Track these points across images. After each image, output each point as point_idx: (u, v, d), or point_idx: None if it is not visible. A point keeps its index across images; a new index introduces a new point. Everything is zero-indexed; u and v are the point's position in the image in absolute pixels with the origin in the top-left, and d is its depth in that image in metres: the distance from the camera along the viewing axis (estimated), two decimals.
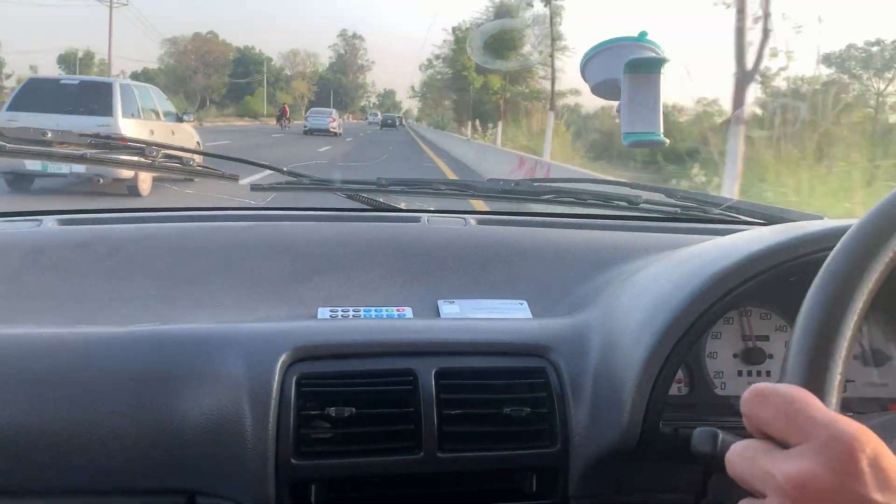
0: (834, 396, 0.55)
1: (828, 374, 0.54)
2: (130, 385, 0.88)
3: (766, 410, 0.44)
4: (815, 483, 0.39)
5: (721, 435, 0.68)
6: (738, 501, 0.46)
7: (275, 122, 41.52)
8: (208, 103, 66.17)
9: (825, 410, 0.42)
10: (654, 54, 0.95)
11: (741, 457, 0.45)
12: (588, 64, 1.01)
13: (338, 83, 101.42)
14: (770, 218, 1.38)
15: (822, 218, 1.35)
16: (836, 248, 0.61)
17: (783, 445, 0.43)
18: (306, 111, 41.05)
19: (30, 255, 1.14)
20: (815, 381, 0.53)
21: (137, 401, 0.87)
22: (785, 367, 0.57)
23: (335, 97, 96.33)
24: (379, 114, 74.24)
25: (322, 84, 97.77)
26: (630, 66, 0.93)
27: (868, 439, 0.39)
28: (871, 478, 0.38)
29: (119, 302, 1.08)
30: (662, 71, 0.94)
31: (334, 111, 37.26)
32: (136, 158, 1.25)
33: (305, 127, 33.48)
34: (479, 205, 1.84)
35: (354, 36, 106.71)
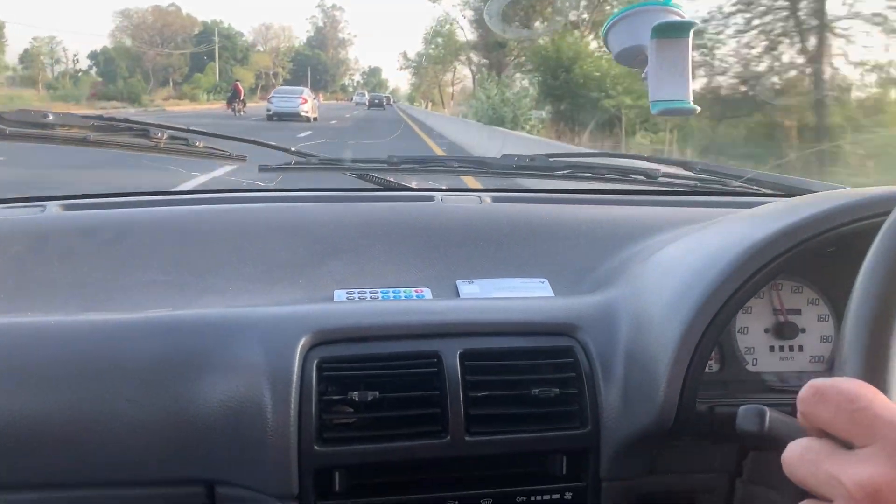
0: (895, 383, 0.51)
1: (888, 364, 0.51)
2: (144, 373, 0.85)
3: (827, 409, 0.40)
4: (889, 489, 0.36)
5: (769, 412, 0.65)
6: (801, 502, 0.43)
7: (225, 106, 32.41)
8: (171, 84, 59.34)
9: (891, 407, 0.38)
10: (680, 18, 0.91)
11: (801, 459, 0.41)
12: (611, 31, 0.97)
13: (316, 59, 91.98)
14: (791, 190, 1.35)
15: (846, 188, 1.32)
16: (886, 224, 0.57)
17: (846, 445, 0.40)
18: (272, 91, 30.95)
19: (34, 242, 1.10)
20: (875, 373, 0.49)
21: (152, 389, 0.84)
22: (840, 359, 0.54)
23: (313, 75, 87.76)
24: (366, 94, 67.65)
25: (298, 61, 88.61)
26: (657, 31, 0.88)
27: None
28: None
29: (128, 289, 1.05)
30: (691, 35, 0.90)
31: (307, 90, 28.09)
32: (140, 140, 1.21)
33: (269, 111, 25.70)
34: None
35: (334, 7, 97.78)
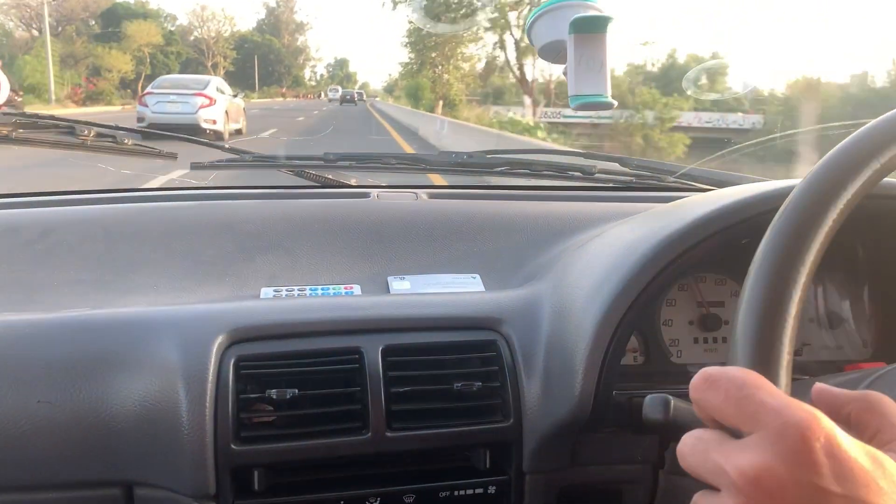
0: (783, 377, 0.52)
1: (777, 352, 0.52)
2: (56, 373, 0.83)
3: (716, 396, 0.41)
4: (768, 476, 0.36)
5: (673, 401, 0.66)
6: (694, 495, 0.43)
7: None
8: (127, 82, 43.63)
9: (777, 395, 0.39)
10: (598, 13, 0.92)
11: (693, 449, 0.42)
12: (533, 26, 0.97)
13: (267, 47, 75.56)
14: (725, 184, 1.36)
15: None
16: (778, 213, 0.58)
17: (735, 434, 0.40)
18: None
19: None
20: (764, 361, 0.50)
21: (65, 389, 0.82)
22: (732, 348, 0.55)
23: (264, 66, 73.52)
24: (339, 90, 64.81)
25: (245, 49, 71.77)
26: (575, 26, 0.89)
27: (822, 426, 0.37)
28: (826, 468, 0.36)
29: (50, 289, 1.02)
30: (608, 30, 0.91)
31: (216, 83, 15.51)
32: (66, 138, 1.19)
33: (140, 119, 14.15)
34: (438, 180, 1.79)
35: None
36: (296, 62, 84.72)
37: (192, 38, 66.59)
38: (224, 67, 67.71)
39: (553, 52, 0.98)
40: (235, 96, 14.89)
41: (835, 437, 0.36)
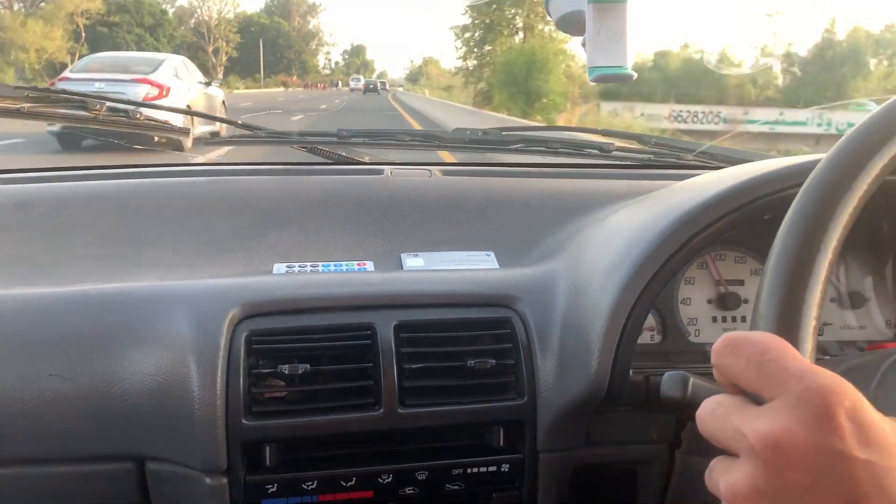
0: (809, 343, 0.51)
1: (801, 319, 0.50)
2: (68, 347, 0.82)
3: (738, 361, 0.39)
4: (789, 441, 0.35)
5: (692, 379, 0.65)
6: (712, 460, 0.42)
7: None
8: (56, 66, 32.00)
9: (799, 360, 0.38)
10: None
11: (712, 414, 0.40)
12: None
13: (275, 30, 68.67)
14: (743, 163, 1.34)
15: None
16: (804, 185, 0.57)
17: (756, 400, 0.39)
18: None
19: None
20: (788, 327, 0.49)
21: (77, 364, 0.82)
22: (756, 314, 0.53)
23: (272, 52, 66.57)
24: (362, 79, 63.42)
25: (251, 33, 64.63)
26: None
27: (846, 391, 0.35)
28: (849, 433, 0.34)
29: (62, 263, 1.02)
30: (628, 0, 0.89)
31: (172, 63, 9.41)
32: (78, 112, 1.18)
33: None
34: (448, 157, 1.77)
35: None
36: (307, 48, 77.26)
37: (192, 21, 59.40)
38: (227, 53, 61.08)
39: (571, 23, 0.95)
40: (209, 84, 10.78)
41: (859, 402, 0.35)
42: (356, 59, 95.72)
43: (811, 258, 0.53)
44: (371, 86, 53.95)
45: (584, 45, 0.93)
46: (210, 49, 58.73)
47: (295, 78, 69.41)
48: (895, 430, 0.36)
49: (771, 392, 0.38)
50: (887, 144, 0.57)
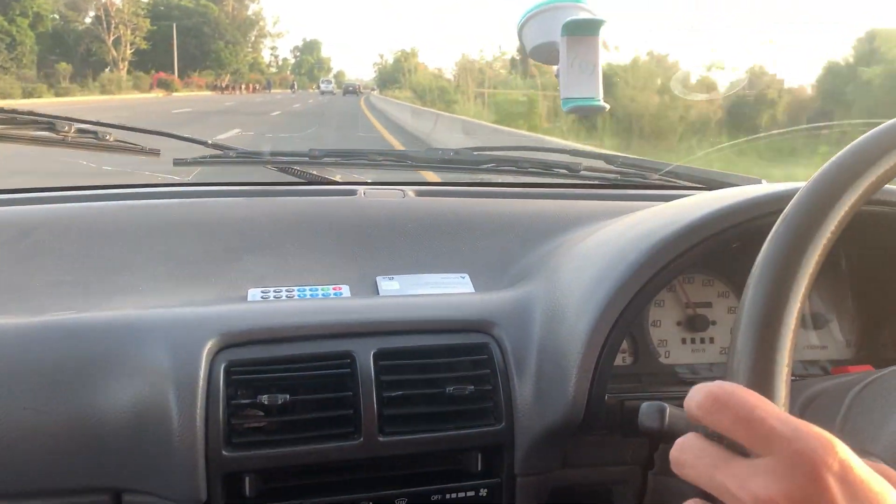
0: (783, 391, 0.53)
1: (776, 369, 0.52)
2: (43, 379, 0.81)
3: (724, 418, 0.41)
4: (784, 502, 0.37)
5: (668, 409, 0.66)
6: (686, 501, 0.44)
7: None
8: None
9: (785, 420, 0.39)
10: (590, 15, 0.92)
11: (696, 462, 0.42)
12: (525, 27, 0.96)
13: (201, 17, 53.16)
14: (710, 183, 1.38)
15: (761, 182, 1.35)
16: (774, 228, 0.58)
17: (741, 451, 0.41)
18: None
19: None
20: (764, 380, 0.51)
21: (51, 395, 0.80)
22: (732, 363, 0.55)
23: (195, 44, 50.96)
24: (333, 82, 60.31)
25: (171, 18, 48.99)
26: (567, 29, 0.89)
27: (834, 452, 0.37)
28: (839, 494, 0.37)
29: (31, 290, 1.00)
30: (600, 33, 0.91)
31: None
32: (45, 134, 1.16)
33: None
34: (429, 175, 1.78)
35: None
36: (244, 39, 60.88)
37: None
38: (132, 43, 45.22)
39: (544, 54, 0.97)
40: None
41: (847, 462, 0.37)
42: (309, 56, 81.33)
43: (784, 306, 0.55)
44: (350, 88, 52.47)
45: (556, 75, 0.95)
46: (110, 39, 44.00)
47: (227, 77, 56.55)
48: (882, 483, 0.38)
49: (760, 449, 0.39)
50: (858, 180, 0.59)
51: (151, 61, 48.74)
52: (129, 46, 45.83)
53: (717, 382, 0.43)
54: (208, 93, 46.30)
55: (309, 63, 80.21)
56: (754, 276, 0.56)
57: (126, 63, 45.46)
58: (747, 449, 0.40)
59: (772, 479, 0.37)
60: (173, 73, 50.13)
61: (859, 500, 0.36)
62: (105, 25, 44.66)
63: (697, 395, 0.43)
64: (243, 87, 54.99)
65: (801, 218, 0.57)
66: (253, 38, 64.31)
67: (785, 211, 0.59)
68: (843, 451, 0.37)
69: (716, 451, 0.41)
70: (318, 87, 57.92)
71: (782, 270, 0.55)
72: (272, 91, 57.07)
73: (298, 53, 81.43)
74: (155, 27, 49.45)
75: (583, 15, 0.90)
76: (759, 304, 0.55)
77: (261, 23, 64.03)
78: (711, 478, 0.40)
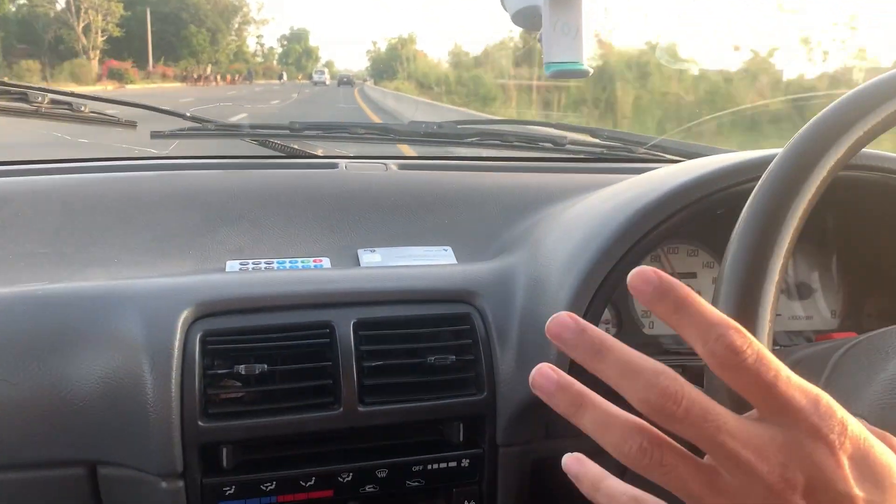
0: (765, 341, 0.53)
1: (758, 319, 0.53)
2: (14, 349, 0.79)
3: (743, 377, 0.35)
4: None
5: None
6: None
7: None
8: None
9: (805, 390, 0.35)
10: None
11: (697, 417, 0.35)
12: None
13: (180, 3, 49.14)
14: (695, 156, 1.36)
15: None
16: (759, 183, 0.58)
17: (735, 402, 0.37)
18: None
19: None
20: (746, 325, 0.51)
21: (24, 367, 0.79)
22: (716, 299, 0.55)
23: (172, 31, 46.81)
24: (326, 72, 57.56)
25: (146, 3, 44.74)
26: None
27: (847, 429, 0.35)
28: (854, 473, 0.35)
29: (5, 263, 0.98)
30: None
31: None
32: (18, 105, 1.13)
33: None
34: (405, 150, 1.76)
35: None
36: (227, 26, 56.39)
37: None
38: (103, 30, 40.67)
39: (527, 18, 0.95)
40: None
41: (859, 440, 0.35)
42: (297, 45, 76.47)
43: (767, 258, 0.55)
44: (345, 79, 50.89)
45: (539, 39, 0.93)
46: (79, 26, 39.29)
47: (209, 67, 51.36)
48: (890, 458, 0.36)
49: (773, 416, 0.35)
50: (839, 140, 0.58)
51: (126, 50, 43.30)
52: (100, 34, 41.07)
53: (734, 327, 0.35)
54: (176, 84, 40.12)
55: (297, 52, 75.91)
56: (739, 226, 0.56)
57: (97, 52, 40.75)
58: (757, 410, 0.36)
59: (794, 454, 0.34)
60: (147, 62, 45.07)
61: (870, 477, 0.35)
62: (74, 10, 40.06)
63: (714, 332, 0.35)
64: (218, 77, 48.06)
65: (787, 169, 0.57)
66: (236, 25, 60.04)
67: (772, 164, 0.58)
68: (856, 427, 0.35)
69: (720, 408, 0.35)
70: (311, 78, 55.42)
71: (768, 219, 0.55)
72: (254, 82, 52.34)
73: (286, 42, 77.12)
74: (129, 12, 44.41)
75: None
76: (743, 252, 0.55)
77: (244, 9, 60.47)
78: (713, 438, 0.35)
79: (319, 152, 1.37)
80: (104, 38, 41.19)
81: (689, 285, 1.03)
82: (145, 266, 0.99)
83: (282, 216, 1.12)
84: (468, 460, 0.88)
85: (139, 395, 0.78)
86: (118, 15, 43.07)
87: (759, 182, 0.58)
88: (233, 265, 0.99)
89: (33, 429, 0.79)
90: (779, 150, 0.61)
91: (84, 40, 39.63)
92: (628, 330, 0.99)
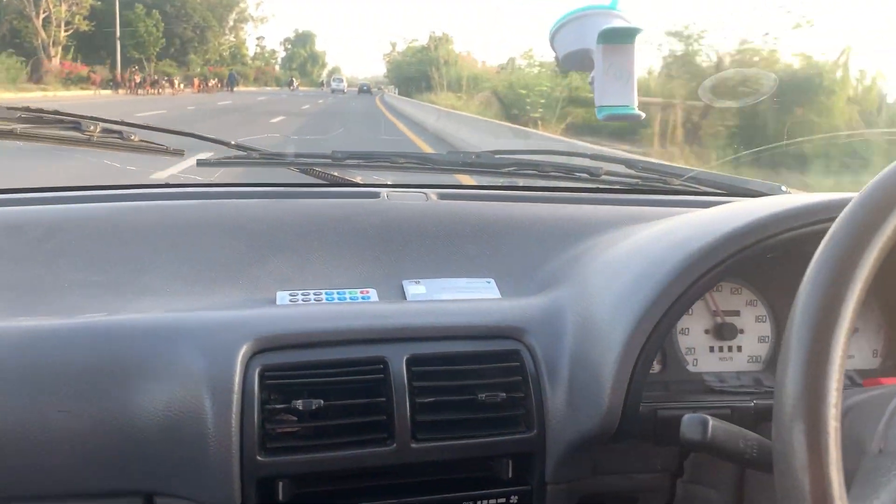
0: (835, 392, 0.54)
1: (830, 366, 0.53)
2: (77, 381, 0.81)
3: None
4: None
5: (711, 422, 0.67)
6: None
7: None
8: None
9: None
10: (626, 23, 0.92)
11: None
12: (558, 33, 0.96)
13: None
14: (731, 189, 1.38)
15: (785, 190, 1.35)
16: (829, 233, 0.59)
17: None
18: None
19: None
20: (816, 377, 0.52)
21: (85, 397, 0.81)
22: (785, 366, 0.56)
23: (148, 29, 38.10)
24: (344, 80, 53.51)
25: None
26: (604, 37, 0.89)
27: None
28: None
29: (60, 290, 1.00)
30: (636, 41, 0.91)
31: None
32: (71, 134, 1.16)
33: None
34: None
35: None
36: (220, 23, 48.07)
37: None
38: (68, 24, 33.12)
39: (577, 61, 0.97)
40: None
41: None
42: (302, 49, 70.33)
43: (840, 302, 0.55)
44: (365, 88, 49.32)
45: (591, 82, 0.95)
46: (38, 17, 31.70)
47: (153, 66, 39.47)
48: None
49: None
50: None
51: (103, 47, 36.25)
52: (63, 27, 33.37)
53: None
54: (88, 93, 28.70)
55: (301, 56, 70.03)
56: (804, 290, 0.56)
57: (59, 49, 33.02)
58: None
59: None
60: (116, 63, 36.10)
61: None
62: (33, 6, 32.35)
63: None
64: (177, 82, 36.00)
65: (855, 228, 0.57)
66: (231, 23, 51.20)
67: (836, 221, 0.59)
68: None
69: None
70: (329, 86, 51.73)
71: (835, 284, 0.56)
72: (236, 89, 41.97)
73: (290, 46, 71.15)
74: (100, 2, 35.91)
75: (617, 23, 0.90)
76: (811, 319, 0.55)
77: (241, 4, 51.48)
78: None
79: (359, 179, 1.39)
80: (68, 32, 33.85)
81: (731, 323, 1.04)
82: (196, 295, 1.01)
83: (325, 245, 1.14)
84: (517, 497, 0.90)
85: (199, 428, 0.79)
86: (87, 6, 35.12)
87: (835, 225, 0.58)
88: (283, 297, 1.01)
89: (92, 459, 0.81)
90: (836, 195, 0.62)
91: (44, 35, 32.35)
92: (672, 367, 1.00)
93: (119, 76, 33.15)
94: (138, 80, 32.23)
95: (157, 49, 40.44)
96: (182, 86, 36.22)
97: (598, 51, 0.90)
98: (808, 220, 0.82)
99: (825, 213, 0.81)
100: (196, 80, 39.86)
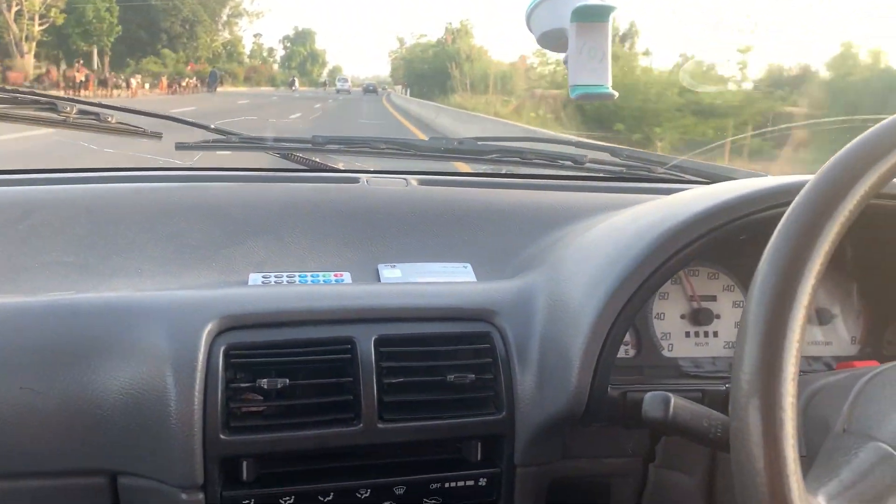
0: (791, 369, 0.53)
1: (786, 345, 0.53)
2: (40, 358, 0.81)
3: None
4: None
5: (673, 399, 0.66)
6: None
7: None
8: None
9: None
10: (600, 1, 0.90)
11: None
12: (533, 13, 0.95)
13: None
14: (715, 177, 1.36)
15: (766, 176, 1.34)
16: (788, 210, 0.58)
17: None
18: None
19: None
20: (771, 360, 0.52)
21: (48, 375, 0.80)
22: (741, 343, 0.55)
23: (144, 20, 36.13)
24: (349, 80, 53.29)
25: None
26: (577, 14, 0.87)
27: None
28: None
29: (31, 270, 0.99)
30: (611, 19, 0.90)
31: None
32: (47, 114, 1.15)
33: None
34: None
35: None
36: (212, 18, 44.47)
37: None
38: (42, 18, 29.87)
39: (553, 40, 0.96)
40: None
41: None
42: (301, 47, 67.76)
43: (797, 283, 0.55)
44: (370, 88, 49.57)
45: (565, 62, 0.94)
46: (11, 11, 28.25)
47: (190, 77, 36.42)
48: None
49: None
50: (871, 169, 0.58)
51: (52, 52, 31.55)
52: (37, 21, 29.79)
53: None
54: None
55: (301, 55, 67.30)
56: (768, 252, 0.56)
57: (33, 45, 29.35)
58: None
59: None
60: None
61: None
62: None
63: None
64: (141, 81, 30.99)
65: (818, 197, 0.56)
66: (225, 18, 47.30)
67: (794, 201, 0.58)
68: None
69: None
70: (335, 86, 50.67)
71: (797, 246, 0.55)
72: (220, 90, 37.31)
73: (289, 44, 68.42)
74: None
75: (593, 1, 0.89)
76: (772, 279, 0.55)
77: None
78: None
79: (340, 166, 1.38)
80: (43, 26, 30.23)
81: (708, 308, 1.04)
82: (169, 277, 1.00)
83: (303, 229, 1.13)
84: (486, 479, 0.89)
85: (162, 407, 0.79)
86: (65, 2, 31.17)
87: (792, 205, 0.58)
88: (255, 278, 1.00)
89: (56, 437, 0.80)
90: (804, 177, 0.61)
91: (15, 29, 28.55)
92: (647, 352, 0.99)
93: (54, 74, 26.95)
94: (81, 78, 26.10)
95: (112, 39, 33.82)
96: (147, 86, 30.86)
97: (571, 29, 0.88)
98: (777, 202, 0.81)
99: (794, 195, 0.80)
100: (162, 80, 33.72)
